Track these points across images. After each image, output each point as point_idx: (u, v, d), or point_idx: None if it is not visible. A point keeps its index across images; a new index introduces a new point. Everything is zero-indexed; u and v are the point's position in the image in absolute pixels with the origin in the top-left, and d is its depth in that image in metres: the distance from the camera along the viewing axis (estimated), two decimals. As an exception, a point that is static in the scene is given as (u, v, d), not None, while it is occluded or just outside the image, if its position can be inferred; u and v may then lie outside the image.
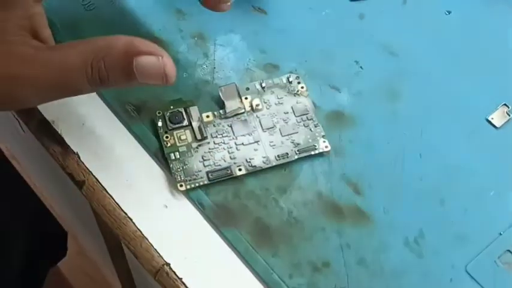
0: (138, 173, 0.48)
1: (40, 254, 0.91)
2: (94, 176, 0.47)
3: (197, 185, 0.46)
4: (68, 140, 0.49)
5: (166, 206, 0.47)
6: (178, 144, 0.47)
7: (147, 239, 0.45)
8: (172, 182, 0.47)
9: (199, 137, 0.47)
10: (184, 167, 0.46)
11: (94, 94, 0.50)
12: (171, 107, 0.48)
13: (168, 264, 0.45)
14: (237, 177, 0.47)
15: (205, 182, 0.46)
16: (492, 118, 0.49)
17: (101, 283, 1.17)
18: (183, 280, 0.44)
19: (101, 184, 0.47)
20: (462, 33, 0.53)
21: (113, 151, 0.48)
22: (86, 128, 0.49)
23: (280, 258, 0.45)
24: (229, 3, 0.48)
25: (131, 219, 0.46)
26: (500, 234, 0.46)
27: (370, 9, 0.54)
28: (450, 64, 0.52)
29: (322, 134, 0.48)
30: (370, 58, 0.52)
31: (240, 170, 0.47)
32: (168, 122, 0.48)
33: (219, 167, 0.47)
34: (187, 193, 0.46)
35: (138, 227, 0.46)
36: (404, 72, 0.51)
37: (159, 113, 0.48)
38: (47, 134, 0.49)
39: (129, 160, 0.48)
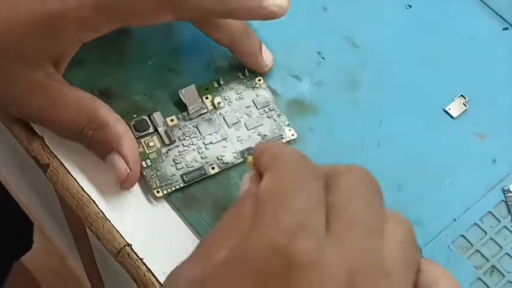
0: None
1: (4, 246, 0.91)
2: (58, 160, 0.48)
3: (173, 189, 0.47)
4: (33, 124, 0.49)
5: (125, 190, 0.47)
6: (147, 152, 0.48)
7: (109, 220, 0.46)
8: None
9: (167, 141, 0.48)
10: (158, 173, 0.47)
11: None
12: (134, 116, 0.49)
13: (130, 245, 0.45)
14: (211, 176, 0.47)
15: (181, 185, 0.47)
16: (449, 109, 0.51)
17: (67, 276, 1.16)
18: (144, 261, 0.45)
19: (65, 167, 0.48)
20: (422, 27, 0.54)
21: None
22: None
23: (239, 240, 0.45)
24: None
25: (94, 201, 0.47)
26: (455, 220, 0.47)
27: (333, 2, 0.55)
28: (410, 56, 0.53)
29: (287, 122, 0.49)
30: (332, 49, 0.53)
31: (213, 168, 0.47)
32: (133, 131, 0.48)
33: (192, 169, 0.47)
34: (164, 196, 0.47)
35: (101, 209, 0.46)
36: (365, 63, 0.53)
37: None
38: (13, 118, 0.49)
39: None
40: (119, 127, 0.46)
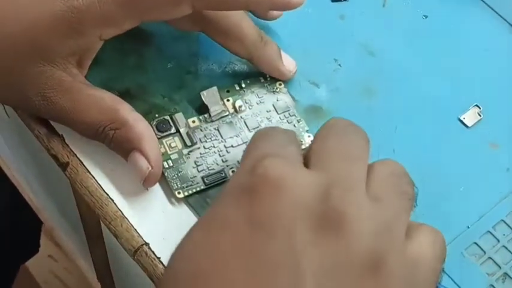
0: (120, 156, 0.48)
1: (13, 249, 0.91)
2: (78, 158, 0.48)
3: (194, 190, 0.47)
4: (53, 123, 0.50)
5: (147, 188, 0.48)
6: (169, 152, 0.48)
7: (127, 219, 0.46)
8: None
9: (188, 143, 0.48)
10: (179, 174, 0.47)
11: None
12: (156, 115, 0.49)
13: (147, 244, 0.46)
14: None
15: (202, 187, 0.47)
16: (464, 118, 0.51)
17: (70, 282, 1.17)
18: (161, 259, 0.45)
19: (84, 166, 0.48)
20: (437, 37, 0.55)
21: None
22: None
23: (256, 242, 0.46)
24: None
25: (113, 200, 0.47)
26: (468, 227, 0.47)
27: (350, 10, 0.56)
28: (425, 65, 0.54)
29: (306, 128, 0.50)
30: (349, 57, 0.54)
31: (233, 172, 0.48)
32: (155, 131, 0.48)
33: (213, 171, 0.48)
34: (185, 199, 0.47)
35: (120, 208, 0.47)
36: (381, 71, 0.53)
37: None
38: (33, 117, 0.50)
39: None
40: (141, 126, 0.46)
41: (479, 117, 0.51)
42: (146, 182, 0.46)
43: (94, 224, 0.60)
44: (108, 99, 0.47)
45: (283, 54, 0.51)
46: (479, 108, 0.51)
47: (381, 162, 0.39)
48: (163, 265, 0.45)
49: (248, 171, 0.35)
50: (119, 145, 0.47)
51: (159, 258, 0.45)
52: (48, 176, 0.76)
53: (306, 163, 0.37)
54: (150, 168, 0.46)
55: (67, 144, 0.49)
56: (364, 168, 0.37)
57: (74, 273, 1.13)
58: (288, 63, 0.51)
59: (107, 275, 0.70)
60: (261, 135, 0.39)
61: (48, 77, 0.45)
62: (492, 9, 0.56)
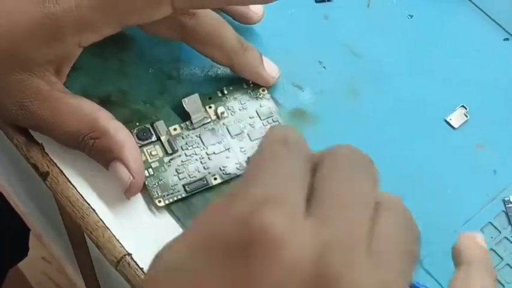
0: (101, 165, 0.48)
1: (0, 254, 0.90)
2: (58, 167, 0.48)
3: (175, 199, 0.46)
4: (32, 131, 0.49)
5: (128, 198, 0.47)
6: (150, 160, 0.47)
7: (109, 229, 0.46)
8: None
9: (170, 150, 0.48)
10: (160, 183, 0.47)
11: None
12: (137, 124, 0.48)
13: (130, 254, 0.45)
14: (213, 187, 0.47)
15: (183, 195, 0.46)
16: (450, 119, 0.51)
17: (64, 283, 1.16)
18: (144, 270, 0.45)
19: (65, 175, 0.48)
20: (423, 37, 0.54)
21: None
22: None
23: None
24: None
25: (94, 210, 0.46)
26: (455, 231, 0.47)
27: (334, 11, 0.55)
28: (411, 66, 0.53)
29: (290, 134, 0.49)
30: (333, 58, 0.53)
31: (215, 179, 0.47)
32: (136, 139, 0.48)
33: (194, 179, 0.47)
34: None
35: (101, 218, 0.46)
36: (366, 73, 0.52)
37: None
38: (12, 125, 0.49)
39: None
40: (121, 134, 0.45)
41: (465, 118, 0.51)
42: (128, 192, 0.46)
43: (78, 233, 0.59)
44: (87, 107, 0.46)
45: (265, 59, 0.50)
46: (466, 109, 0.51)
47: (389, 209, 0.33)
48: (146, 275, 0.44)
49: (240, 220, 0.28)
50: (99, 154, 0.46)
51: (141, 268, 0.45)
52: (32, 183, 0.75)
53: (308, 204, 0.31)
54: (131, 178, 0.45)
55: (47, 153, 0.48)
56: (369, 218, 0.31)
57: (66, 275, 1.13)
58: (271, 69, 0.51)
59: (94, 283, 0.69)
60: (263, 162, 0.31)
61: (25, 86, 0.45)
62: (479, 8, 0.55)
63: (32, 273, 1.22)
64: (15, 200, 0.92)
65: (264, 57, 0.50)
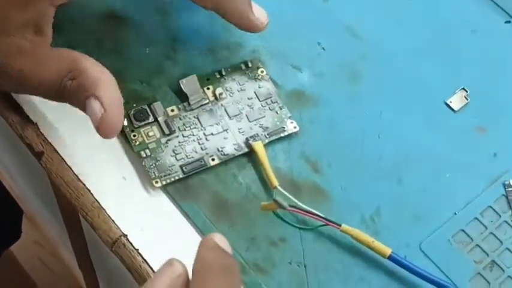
0: (97, 145, 0.47)
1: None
2: (53, 147, 0.47)
3: (172, 179, 0.46)
4: (27, 110, 0.48)
5: (124, 178, 0.46)
6: (147, 141, 0.47)
7: (104, 210, 0.45)
8: (131, 154, 0.47)
9: (167, 131, 0.47)
10: (157, 163, 0.46)
11: None
12: (134, 105, 0.48)
13: (125, 236, 0.44)
14: (211, 168, 0.47)
15: (180, 176, 0.46)
16: (450, 102, 0.50)
17: (56, 267, 1.16)
18: (140, 251, 0.44)
19: (59, 155, 0.47)
20: (424, 18, 0.54)
21: (73, 122, 0.48)
22: (45, 99, 0.47)
23: (237, 231, 0.45)
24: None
25: (89, 190, 0.46)
26: (455, 214, 0.46)
27: (334, -8, 0.54)
28: (411, 48, 0.52)
29: (289, 115, 0.48)
30: (332, 39, 0.52)
31: (213, 160, 0.47)
32: (133, 120, 0.47)
33: (192, 159, 0.46)
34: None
35: (96, 198, 0.46)
36: (366, 54, 0.52)
37: None
38: (6, 104, 0.48)
39: (88, 132, 0.46)
40: (95, 70, 0.43)
41: (466, 101, 0.50)
42: (100, 129, 0.42)
43: (73, 214, 0.59)
44: (67, 52, 0.44)
45: (253, 4, 0.48)
46: (466, 91, 0.50)
47: None
48: (142, 257, 0.44)
49: None
50: (76, 96, 0.43)
51: (137, 250, 0.44)
52: (26, 163, 0.74)
53: None
54: (102, 111, 0.42)
55: (41, 133, 0.47)
56: None
57: (60, 259, 1.12)
58: (259, 13, 0.48)
59: (88, 265, 0.69)
60: None
61: (7, 46, 0.43)
62: (479, -11, 0.54)
63: (25, 257, 1.21)
64: (9, 180, 0.91)
65: (252, 3, 0.48)
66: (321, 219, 0.44)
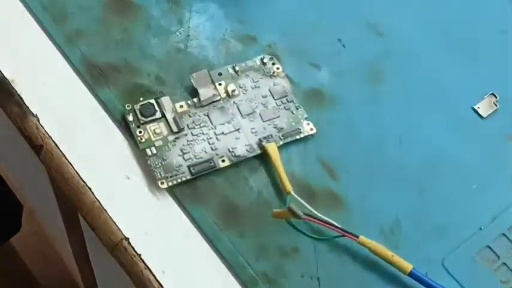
0: (100, 140, 0.45)
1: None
2: (53, 141, 0.45)
3: (179, 181, 0.43)
4: (28, 101, 0.46)
5: (128, 177, 0.44)
6: (153, 139, 0.44)
7: (106, 210, 0.43)
8: (136, 151, 0.44)
9: (175, 129, 0.45)
10: (163, 163, 0.44)
11: (57, 53, 0.47)
12: (141, 99, 0.45)
13: (127, 239, 0.42)
14: (221, 169, 0.44)
15: (188, 177, 0.43)
16: (478, 107, 0.48)
17: (56, 262, 1.14)
18: (142, 256, 0.42)
19: (60, 150, 0.44)
20: (452, 17, 0.51)
21: (75, 116, 0.46)
22: (47, 89, 0.46)
23: (246, 239, 0.43)
24: None
25: (90, 189, 0.43)
26: (481, 229, 0.44)
27: (356, -16, 0.52)
28: (438, 48, 0.50)
29: (305, 116, 0.46)
30: (354, 36, 0.50)
31: (223, 161, 0.44)
32: (139, 116, 0.45)
33: (200, 160, 0.44)
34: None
35: (97, 198, 0.43)
36: (389, 53, 0.49)
37: (128, 106, 0.45)
38: (5, 93, 0.46)
39: (92, 127, 0.46)
40: None
41: (495, 107, 0.48)
42: None
43: (73, 211, 0.56)
44: None
45: None
46: (496, 97, 0.48)
47: None
48: (143, 263, 0.41)
49: None
50: None
51: (139, 255, 0.42)
52: (25, 156, 0.72)
53: None
54: None
55: (42, 125, 0.45)
56: None
57: (59, 253, 1.11)
58: None
59: (86, 266, 0.66)
60: None
61: None
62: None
63: (25, 250, 1.20)
64: (8, 173, 0.89)
65: None
66: (337, 229, 0.42)
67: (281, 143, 0.45)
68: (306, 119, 0.46)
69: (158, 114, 0.45)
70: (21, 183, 0.90)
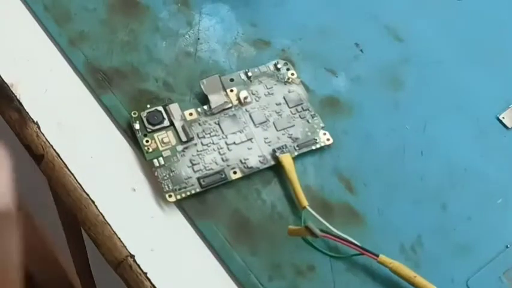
0: (105, 150, 0.43)
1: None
2: (55, 150, 0.43)
3: (188, 194, 0.41)
4: (28, 107, 0.44)
5: (134, 190, 0.42)
6: (161, 149, 0.43)
7: (110, 225, 0.41)
8: (143, 162, 0.43)
9: (184, 138, 0.43)
10: (171, 174, 0.42)
11: (60, 56, 0.46)
12: (148, 106, 0.44)
13: (132, 256, 0.40)
14: (232, 181, 0.42)
15: (197, 190, 0.42)
16: (503, 117, 0.46)
17: (57, 271, 1.13)
18: (148, 275, 0.40)
19: (61, 160, 0.43)
20: (475, 21, 0.50)
21: (78, 123, 0.44)
22: (48, 95, 0.45)
23: (259, 256, 0.41)
24: None
25: (94, 202, 0.41)
26: (507, 247, 0.42)
27: (375, -13, 0.50)
28: (460, 54, 0.48)
29: (322, 125, 0.44)
30: (372, 41, 0.48)
31: (235, 173, 0.42)
32: (146, 124, 0.43)
33: (211, 172, 0.42)
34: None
35: (101, 211, 0.41)
36: (409, 59, 0.48)
37: (134, 113, 0.43)
38: (4, 99, 0.44)
39: (96, 135, 0.44)
40: None
41: (521, 117, 0.46)
42: None
43: (75, 226, 0.55)
44: None
45: None
46: (522, 106, 0.46)
47: None
48: (150, 282, 0.40)
49: None
50: None
51: (145, 273, 0.40)
52: (25, 165, 0.71)
53: None
54: None
55: (42, 133, 0.44)
56: None
57: (60, 265, 1.10)
58: None
59: (90, 282, 0.64)
60: None
61: None
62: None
63: (25, 260, 1.18)
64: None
65: None
66: (356, 247, 0.40)
67: (296, 153, 0.43)
68: (323, 128, 0.44)
69: (166, 122, 0.43)
70: (22, 191, 0.88)
